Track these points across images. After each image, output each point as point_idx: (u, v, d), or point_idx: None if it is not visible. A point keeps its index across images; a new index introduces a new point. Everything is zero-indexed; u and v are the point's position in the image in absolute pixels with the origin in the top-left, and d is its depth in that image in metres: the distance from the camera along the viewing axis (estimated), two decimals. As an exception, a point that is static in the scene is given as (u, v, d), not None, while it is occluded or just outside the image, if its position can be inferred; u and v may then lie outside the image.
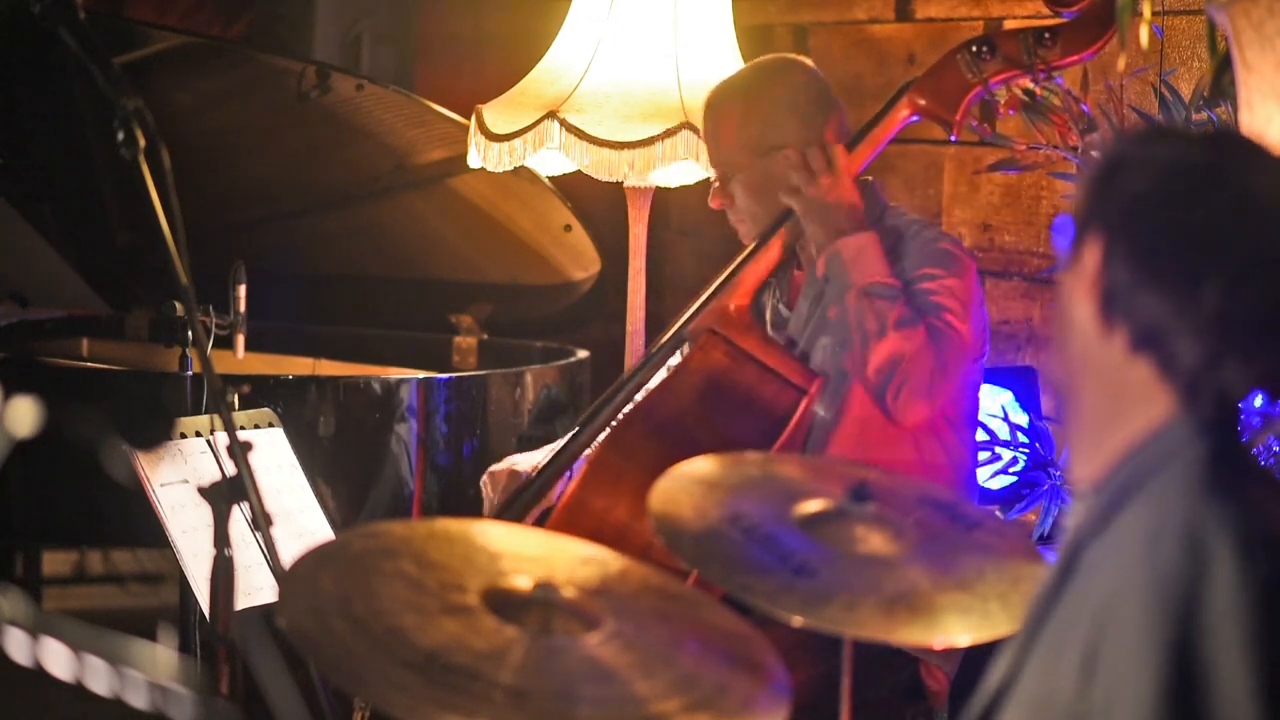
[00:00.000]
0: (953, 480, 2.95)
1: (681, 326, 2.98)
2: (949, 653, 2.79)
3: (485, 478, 3.17)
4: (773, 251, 2.96)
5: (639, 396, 3.01)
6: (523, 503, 2.98)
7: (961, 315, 2.85)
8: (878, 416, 2.86)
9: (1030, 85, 2.91)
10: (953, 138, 2.94)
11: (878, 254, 2.85)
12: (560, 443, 3.11)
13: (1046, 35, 2.83)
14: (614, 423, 2.98)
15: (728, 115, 2.99)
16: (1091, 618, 1.48)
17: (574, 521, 2.72)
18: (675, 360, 3.06)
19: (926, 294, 2.85)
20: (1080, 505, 1.60)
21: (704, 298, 2.98)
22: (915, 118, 2.94)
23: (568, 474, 3.01)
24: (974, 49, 2.87)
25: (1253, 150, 1.56)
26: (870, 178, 3.03)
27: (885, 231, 2.93)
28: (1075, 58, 2.85)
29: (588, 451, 2.99)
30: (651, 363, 3.01)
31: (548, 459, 3.03)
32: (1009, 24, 3.94)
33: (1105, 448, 1.58)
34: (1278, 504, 1.52)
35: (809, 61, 3.08)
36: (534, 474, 3.02)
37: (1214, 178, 1.52)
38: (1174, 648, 1.42)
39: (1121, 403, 1.57)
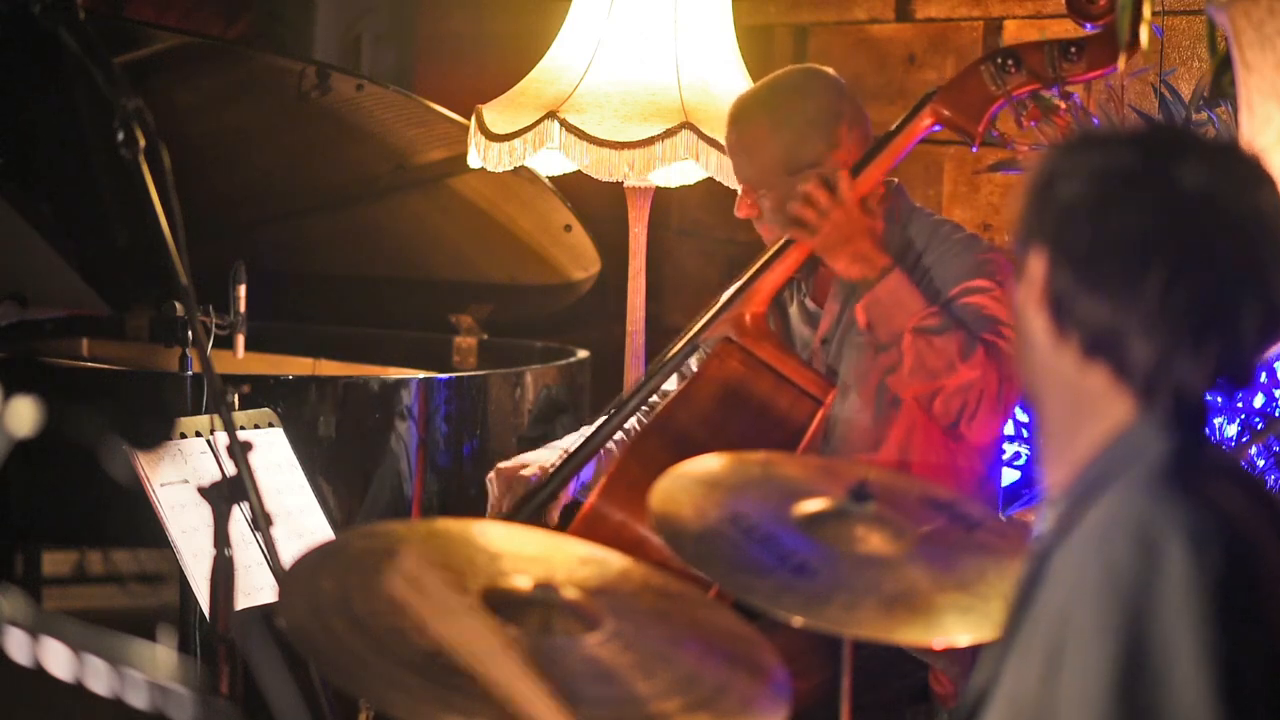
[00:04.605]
0: (983, 486, 2.94)
1: (696, 334, 2.95)
2: (957, 658, 2.79)
3: (491, 474, 3.14)
4: (789, 259, 2.94)
5: (641, 403, 3.00)
6: (532, 507, 2.97)
7: (1009, 317, 2.82)
8: (922, 421, 2.86)
9: (1056, 99, 2.89)
10: (974, 148, 2.92)
11: (912, 289, 2.83)
12: (568, 441, 3.11)
13: (1072, 49, 2.79)
14: (630, 433, 2.97)
15: (755, 132, 2.96)
16: (1053, 618, 1.51)
17: (593, 533, 2.71)
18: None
19: (977, 309, 2.84)
20: (1050, 511, 1.62)
21: (719, 305, 2.94)
22: (937, 127, 2.91)
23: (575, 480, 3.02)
24: (999, 61, 2.84)
25: (1180, 145, 1.58)
26: (894, 179, 3.03)
27: (914, 235, 2.92)
28: (1099, 72, 2.81)
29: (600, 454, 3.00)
30: (665, 370, 2.99)
31: (558, 463, 3.02)
32: (1009, 24, 3.95)
33: (1072, 454, 1.61)
34: (1241, 501, 1.53)
35: (831, 71, 3.05)
36: (544, 479, 3.01)
37: (1141, 178, 1.55)
38: (1126, 644, 1.43)
39: (1082, 410, 1.59)
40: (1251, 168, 1.58)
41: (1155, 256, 1.52)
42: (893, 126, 2.93)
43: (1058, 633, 1.49)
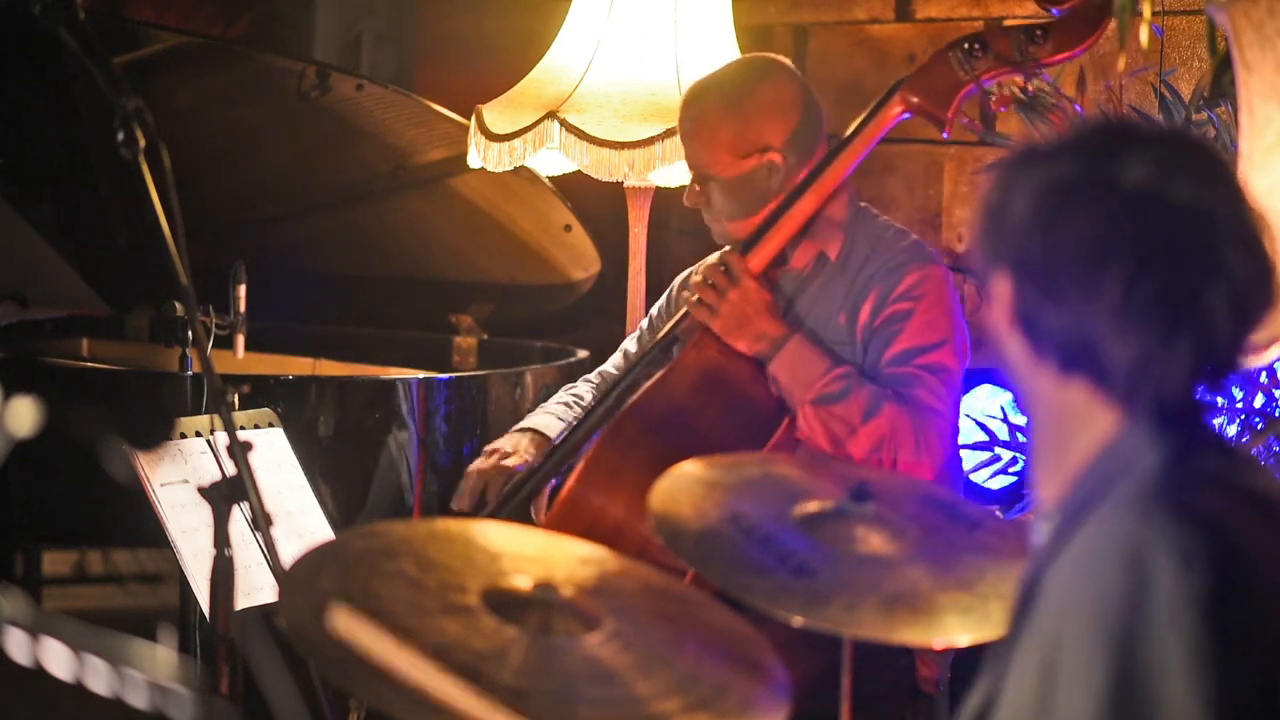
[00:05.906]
0: (951, 481, 2.95)
1: (675, 325, 2.98)
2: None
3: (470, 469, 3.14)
4: (766, 250, 2.95)
5: (623, 396, 3.01)
6: (517, 501, 2.98)
7: (937, 339, 2.83)
8: None
9: (1023, 84, 2.91)
10: (945, 135, 2.93)
11: (809, 355, 2.83)
12: (534, 421, 3.12)
13: (1038, 32, 2.83)
14: (609, 420, 2.98)
15: (708, 114, 2.96)
16: (1047, 638, 1.50)
17: (571, 518, 2.73)
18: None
19: (896, 340, 2.83)
20: (1045, 526, 1.61)
21: None
22: (907, 115, 2.92)
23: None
24: (966, 46, 2.87)
25: (1122, 143, 1.56)
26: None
27: (859, 241, 2.92)
28: (1066, 55, 2.85)
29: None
30: (644, 361, 3.00)
31: (541, 460, 3.03)
32: (1009, 24, 3.94)
33: (1063, 470, 1.60)
34: (1237, 510, 1.51)
35: (788, 61, 3.06)
36: (528, 472, 3.02)
37: (1084, 185, 1.54)
38: (1118, 667, 1.42)
39: (1068, 425, 1.59)
40: (1197, 154, 1.57)
41: (1111, 259, 1.51)
42: (861, 115, 2.94)
43: (1051, 653, 1.48)
